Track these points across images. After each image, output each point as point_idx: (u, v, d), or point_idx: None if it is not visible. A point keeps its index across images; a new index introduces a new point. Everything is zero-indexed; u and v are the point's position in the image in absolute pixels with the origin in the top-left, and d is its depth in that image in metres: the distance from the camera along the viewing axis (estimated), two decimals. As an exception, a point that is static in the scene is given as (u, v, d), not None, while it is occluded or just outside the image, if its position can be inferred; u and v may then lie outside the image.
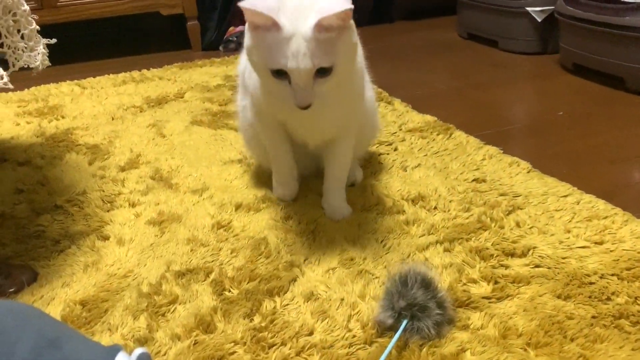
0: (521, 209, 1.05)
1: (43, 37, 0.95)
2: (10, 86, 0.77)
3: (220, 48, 2.43)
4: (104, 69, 2.16)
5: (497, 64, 2.05)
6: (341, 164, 1.06)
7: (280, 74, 0.81)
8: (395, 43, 2.44)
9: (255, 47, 0.82)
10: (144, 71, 2.06)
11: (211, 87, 1.87)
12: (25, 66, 0.87)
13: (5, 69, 0.82)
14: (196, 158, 1.35)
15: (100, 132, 1.51)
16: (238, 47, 2.42)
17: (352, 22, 0.84)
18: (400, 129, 1.46)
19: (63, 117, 1.64)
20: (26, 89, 1.88)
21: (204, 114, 1.62)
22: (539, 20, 2.02)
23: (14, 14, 0.83)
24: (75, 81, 1.96)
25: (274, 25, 0.78)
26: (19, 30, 0.85)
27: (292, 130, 1.02)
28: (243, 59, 1.02)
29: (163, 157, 1.35)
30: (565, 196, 1.08)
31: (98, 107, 1.71)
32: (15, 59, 0.84)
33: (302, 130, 1.01)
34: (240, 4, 0.78)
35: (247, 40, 0.84)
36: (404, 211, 1.06)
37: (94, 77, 2.02)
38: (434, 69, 2.07)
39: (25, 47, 0.86)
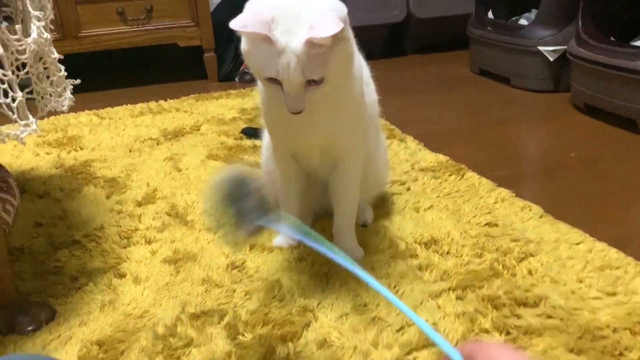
0: (533, 256, 1.06)
1: (63, 64, 0.98)
2: (38, 132, 0.79)
3: (236, 79, 2.48)
4: (122, 97, 2.21)
5: (509, 101, 2.07)
6: (348, 199, 1.07)
7: (274, 81, 0.84)
8: (408, 77, 2.47)
9: (249, 54, 0.84)
10: (161, 102, 2.10)
11: (227, 119, 1.90)
12: (53, 110, 0.91)
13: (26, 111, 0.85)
14: (211, 194, 1.37)
15: (117, 165, 1.54)
16: (253, 79, 2.46)
17: (349, 32, 0.86)
18: (413, 168, 1.47)
19: (82, 149, 1.68)
20: (46, 119, 1.92)
21: (220, 148, 1.65)
22: (551, 59, 2.05)
23: (44, 62, 0.87)
24: (94, 111, 2.00)
25: (267, 39, 0.80)
26: (48, 77, 0.88)
27: (297, 147, 1.03)
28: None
29: (179, 192, 1.38)
30: (578, 244, 1.09)
31: (116, 139, 1.75)
32: (44, 104, 0.87)
33: (302, 137, 0.99)
34: (231, 25, 0.79)
35: (243, 44, 0.85)
36: (417, 255, 1.07)
37: (112, 107, 2.06)
38: (447, 104, 2.10)
39: (54, 93, 0.89)
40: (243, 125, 1.82)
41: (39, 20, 0.83)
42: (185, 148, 1.66)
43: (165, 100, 2.13)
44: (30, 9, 0.83)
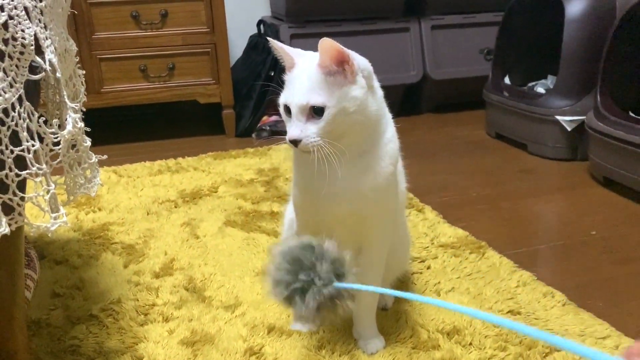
0: (558, 351, 1.03)
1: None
2: (68, 224, 0.80)
3: (253, 136, 2.50)
4: (140, 152, 2.24)
5: (527, 169, 2.07)
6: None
7: (288, 111, 0.90)
8: (424, 139, 2.48)
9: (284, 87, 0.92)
10: (180, 160, 2.12)
11: (244, 181, 1.91)
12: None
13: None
14: (229, 265, 1.36)
15: (135, 230, 1.55)
16: (270, 135, 2.49)
17: (362, 80, 0.89)
18: (432, 243, 1.46)
19: (100, 210, 1.68)
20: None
21: (237, 214, 1.65)
22: (569, 129, 2.06)
23: (77, 150, 0.88)
24: (113, 168, 2.02)
25: (293, 64, 0.90)
26: (79, 163, 0.89)
27: (323, 223, 0.99)
28: None
29: (196, 263, 1.37)
30: (604, 338, 1.07)
31: (134, 200, 1.76)
32: (75, 190, 0.88)
33: (327, 205, 0.96)
34: (272, 42, 0.91)
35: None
36: (439, 346, 1.05)
37: (131, 163, 2.08)
38: (464, 171, 2.10)
39: (84, 178, 0.90)
40: (260, 189, 1.83)
41: (74, 112, 0.85)
42: (203, 212, 1.66)
43: (184, 157, 2.15)
44: (66, 99, 0.85)
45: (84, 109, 0.95)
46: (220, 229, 1.55)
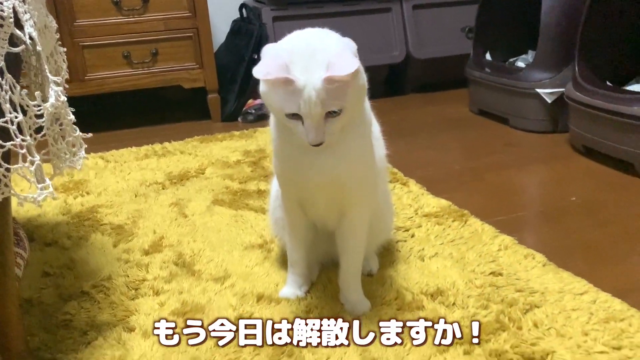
0: (538, 307, 1.07)
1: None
2: (55, 195, 0.81)
3: (239, 119, 2.52)
4: (127, 139, 2.24)
5: (509, 143, 2.11)
6: (355, 249, 1.08)
7: (294, 116, 0.88)
8: (408, 117, 2.51)
9: (270, 94, 0.89)
10: (166, 144, 2.13)
11: (231, 162, 1.92)
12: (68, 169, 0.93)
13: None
14: (218, 241, 1.38)
15: (124, 211, 1.56)
16: (256, 119, 2.51)
17: (359, 65, 0.89)
18: (416, 214, 1.49)
19: (88, 194, 1.69)
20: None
21: (225, 193, 1.67)
22: (549, 102, 2.09)
23: (61, 123, 0.89)
24: (100, 154, 2.03)
25: (288, 80, 0.85)
26: (63, 137, 0.91)
27: (306, 192, 1.04)
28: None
29: (185, 240, 1.39)
30: (582, 294, 1.10)
31: (122, 183, 1.77)
32: (60, 164, 0.90)
33: (310, 178, 0.99)
34: (254, 73, 0.85)
35: (262, 86, 0.91)
36: (424, 307, 1.08)
37: (118, 149, 2.09)
38: (448, 146, 2.13)
39: (69, 152, 0.91)
40: (247, 169, 1.85)
41: (57, 85, 0.86)
42: (191, 193, 1.68)
43: (170, 142, 2.16)
44: (48, 74, 0.86)
45: (67, 93, 0.97)
46: (208, 208, 1.57)
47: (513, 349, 0.95)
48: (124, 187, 1.74)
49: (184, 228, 1.46)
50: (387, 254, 1.29)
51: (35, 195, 0.80)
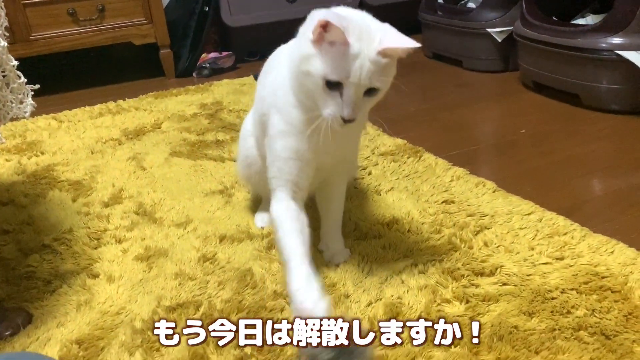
0: (488, 228, 1.13)
1: (18, 69, 0.98)
2: (4, 141, 0.81)
3: (194, 75, 2.48)
4: (79, 100, 2.19)
5: (462, 83, 2.15)
6: (340, 206, 1.10)
7: (334, 85, 0.84)
8: (364, 64, 2.51)
9: (314, 57, 0.84)
10: (120, 102, 2.09)
11: (187, 116, 1.91)
12: (15, 117, 0.91)
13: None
14: (178, 190, 1.39)
15: (81, 168, 1.55)
16: (211, 73, 2.48)
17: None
18: (373, 153, 1.53)
19: (42, 153, 1.67)
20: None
21: (183, 145, 1.67)
22: (499, 40, 2.13)
23: (3, 70, 0.88)
24: (52, 115, 1.98)
25: (344, 43, 0.81)
26: (7, 84, 0.89)
27: (311, 171, 0.99)
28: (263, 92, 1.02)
29: (145, 191, 1.39)
30: (529, 214, 1.17)
31: (77, 142, 1.74)
32: (6, 112, 0.88)
33: (325, 158, 0.98)
34: (319, 15, 0.80)
35: (303, 49, 0.85)
36: (380, 235, 1.13)
37: (70, 109, 2.04)
38: (403, 90, 2.14)
39: (14, 100, 0.90)
40: (204, 121, 1.85)
41: (-6, 29, 0.84)
42: (148, 147, 1.67)
43: (124, 99, 2.12)
44: (-16, 18, 0.84)
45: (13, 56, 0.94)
46: (166, 160, 1.57)
47: (464, 266, 1.01)
48: (79, 145, 1.72)
49: (143, 180, 1.46)
50: (346, 190, 1.32)
51: (-17, 141, 0.79)
